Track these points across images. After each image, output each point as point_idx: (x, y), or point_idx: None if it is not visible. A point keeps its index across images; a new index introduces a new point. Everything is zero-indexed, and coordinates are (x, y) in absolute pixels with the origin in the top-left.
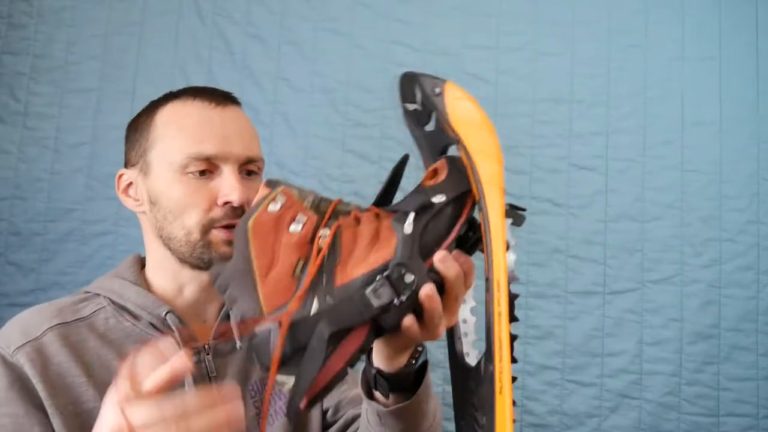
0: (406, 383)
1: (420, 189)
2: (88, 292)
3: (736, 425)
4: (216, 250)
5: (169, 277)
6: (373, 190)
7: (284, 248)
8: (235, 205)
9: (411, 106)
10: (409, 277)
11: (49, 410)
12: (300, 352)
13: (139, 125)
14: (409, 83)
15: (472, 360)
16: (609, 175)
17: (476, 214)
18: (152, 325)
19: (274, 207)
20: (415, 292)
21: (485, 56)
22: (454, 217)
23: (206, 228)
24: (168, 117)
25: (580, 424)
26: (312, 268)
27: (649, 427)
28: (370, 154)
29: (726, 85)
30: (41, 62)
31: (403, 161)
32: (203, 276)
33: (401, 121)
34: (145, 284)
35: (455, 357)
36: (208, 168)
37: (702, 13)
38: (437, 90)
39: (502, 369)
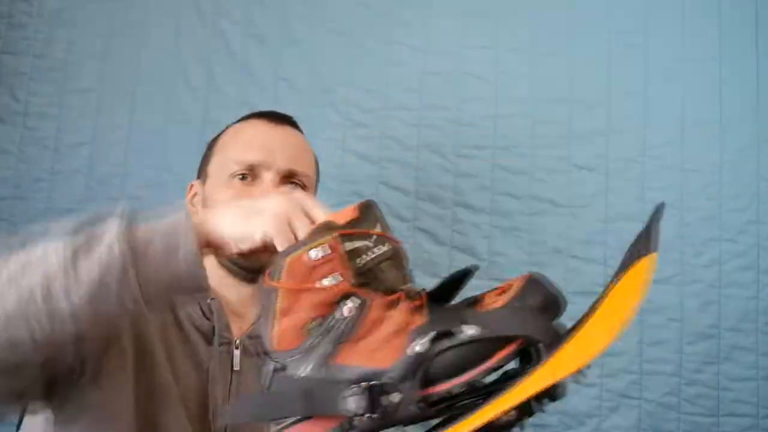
0: None
1: (475, 305)
2: None
3: (736, 425)
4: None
5: (216, 280)
6: (374, 190)
7: (306, 300)
8: None
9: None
10: (395, 398)
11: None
12: (274, 400)
13: (212, 142)
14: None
15: None
16: (609, 175)
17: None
18: (199, 305)
19: (315, 254)
20: (392, 415)
21: (485, 56)
22: (479, 358)
23: None
24: (230, 132)
25: (580, 424)
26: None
27: (649, 427)
28: (370, 154)
29: (726, 85)
30: (41, 62)
31: (470, 271)
32: (244, 289)
33: (400, 124)
34: None
35: None
36: (251, 175)
37: (702, 13)
38: (638, 253)
39: None
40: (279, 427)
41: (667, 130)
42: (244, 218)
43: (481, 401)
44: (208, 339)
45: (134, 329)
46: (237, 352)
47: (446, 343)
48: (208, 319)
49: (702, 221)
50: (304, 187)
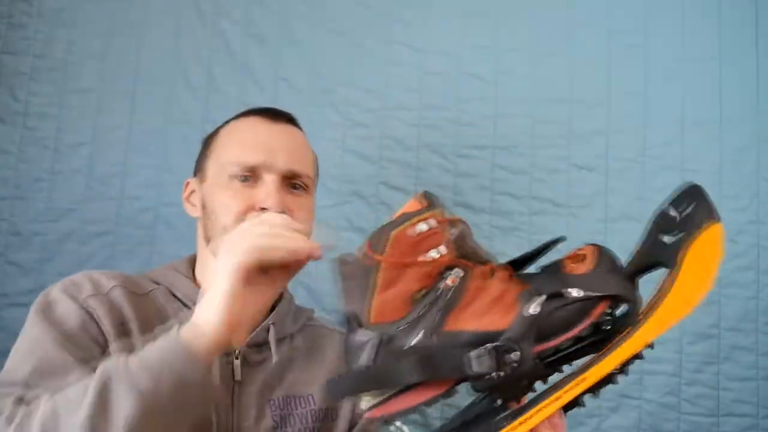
0: None
1: (560, 271)
2: (144, 277)
3: (736, 425)
4: None
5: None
6: (374, 190)
7: (413, 271)
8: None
9: (672, 212)
10: (515, 356)
11: (112, 346)
12: (386, 371)
13: (208, 139)
14: (690, 196)
15: None
16: (609, 175)
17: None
18: None
19: (422, 227)
20: (516, 370)
21: (485, 56)
22: (581, 315)
23: None
24: (228, 130)
25: (580, 424)
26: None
27: (649, 427)
28: (370, 154)
29: (726, 85)
30: (41, 62)
31: (557, 241)
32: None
33: (400, 124)
34: (194, 280)
35: None
36: (252, 176)
37: (702, 13)
38: (704, 223)
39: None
40: (375, 402)
41: (667, 130)
42: (236, 298)
43: (587, 352)
44: None
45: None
46: (237, 363)
47: (555, 303)
48: None
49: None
50: (305, 188)
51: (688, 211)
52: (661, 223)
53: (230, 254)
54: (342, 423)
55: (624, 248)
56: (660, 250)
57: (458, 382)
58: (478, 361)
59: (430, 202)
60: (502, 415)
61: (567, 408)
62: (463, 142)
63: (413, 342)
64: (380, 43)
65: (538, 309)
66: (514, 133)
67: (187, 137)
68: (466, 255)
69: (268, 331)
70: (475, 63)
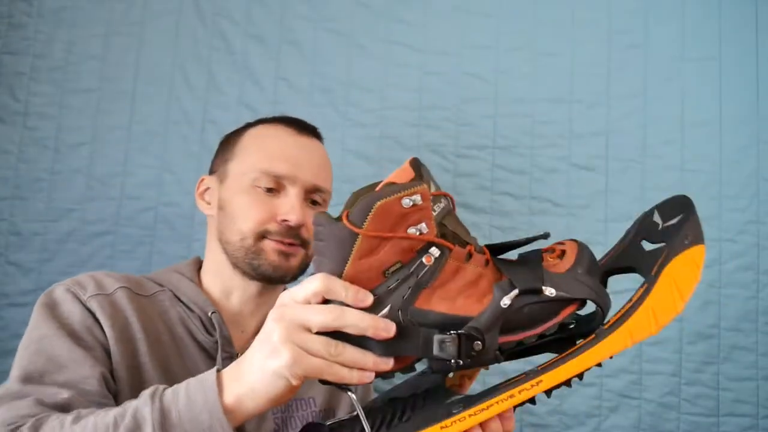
0: None
1: (539, 265)
2: (149, 279)
3: (736, 425)
4: (267, 259)
5: (219, 281)
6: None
7: (392, 245)
8: (292, 225)
9: (657, 219)
10: (477, 346)
11: (113, 350)
12: (348, 340)
13: (229, 139)
14: (679, 208)
15: None
16: (609, 175)
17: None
18: (200, 319)
19: (407, 202)
20: (476, 360)
21: (485, 56)
22: (550, 314)
23: (260, 236)
24: (254, 135)
25: (580, 424)
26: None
27: (649, 427)
28: (370, 154)
29: (726, 85)
30: (41, 62)
31: (541, 237)
32: (251, 287)
33: (400, 124)
34: (198, 284)
35: None
36: (276, 186)
37: (702, 13)
38: (687, 240)
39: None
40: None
41: (667, 130)
42: (262, 376)
43: (547, 348)
44: (210, 354)
45: (131, 377)
46: None
47: (528, 299)
48: (210, 334)
49: (702, 221)
50: (322, 204)
51: (673, 222)
52: (644, 227)
53: (280, 359)
54: None
55: None
56: (638, 256)
57: (418, 360)
58: (441, 346)
59: (418, 172)
60: (454, 399)
61: (518, 404)
62: (463, 142)
63: (379, 315)
64: (380, 43)
65: (509, 302)
66: (514, 133)
67: (187, 137)
68: (447, 234)
69: None
70: (475, 63)
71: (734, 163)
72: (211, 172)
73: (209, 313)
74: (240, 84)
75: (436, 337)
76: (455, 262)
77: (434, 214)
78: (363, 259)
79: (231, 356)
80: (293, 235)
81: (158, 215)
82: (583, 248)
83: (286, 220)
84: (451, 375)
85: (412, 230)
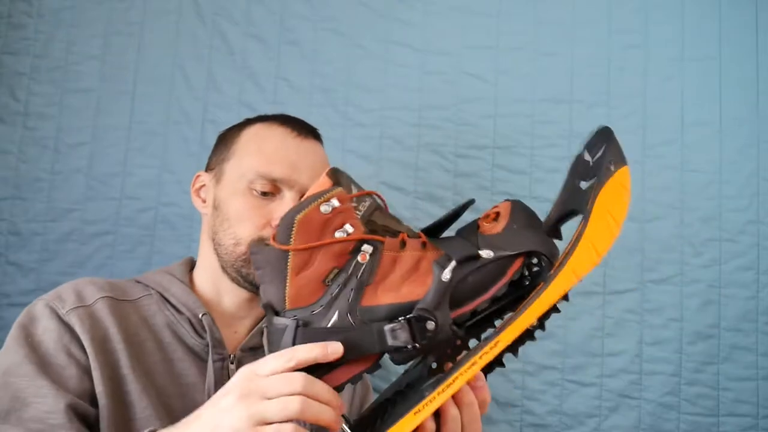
0: None
1: (472, 233)
2: (138, 282)
3: (736, 425)
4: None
5: (211, 281)
6: (373, 190)
7: (323, 253)
8: None
9: (587, 157)
10: (430, 326)
11: (93, 365)
12: None
13: (226, 135)
14: (601, 138)
15: None
16: None
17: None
18: (190, 322)
19: (326, 208)
20: (433, 340)
21: (485, 56)
22: (497, 276)
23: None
24: (252, 135)
25: (580, 424)
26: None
27: (649, 427)
28: (370, 154)
29: (726, 85)
30: (41, 62)
31: (467, 204)
32: (242, 293)
33: (400, 124)
34: (190, 284)
35: None
36: (272, 190)
37: (702, 13)
38: (613, 167)
39: (434, 398)
40: None
41: (667, 130)
42: None
43: (509, 309)
44: (201, 357)
45: (113, 395)
46: (233, 367)
47: (469, 267)
48: (201, 336)
49: (702, 221)
50: None
51: (599, 155)
52: (578, 168)
53: (250, 408)
54: None
55: (624, 248)
56: (577, 197)
57: (381, 356)
58: (393, 335)
59: (335, 180)
60: (427, 383)
61: (488, 370)
62: (463, 142)
63: (329, 324)
64: (380, 43)
65: (449, 275)
66: (514, 133)
67: (187, 137)
68: (377, 230)
69: (262, 334)
70: (475, 63)
71: (734, 163)
72: (208, 168)
73: (199, 315)
74: (240, 84)
75: (386, 328)
76: (391, 252)
77: (359, 213)
78: (300, 274)
79: (223, 358)
80: None
81: (158, 215)
82: (515, 204)
83: None
84: (434, 365)
85: (338, 233)
